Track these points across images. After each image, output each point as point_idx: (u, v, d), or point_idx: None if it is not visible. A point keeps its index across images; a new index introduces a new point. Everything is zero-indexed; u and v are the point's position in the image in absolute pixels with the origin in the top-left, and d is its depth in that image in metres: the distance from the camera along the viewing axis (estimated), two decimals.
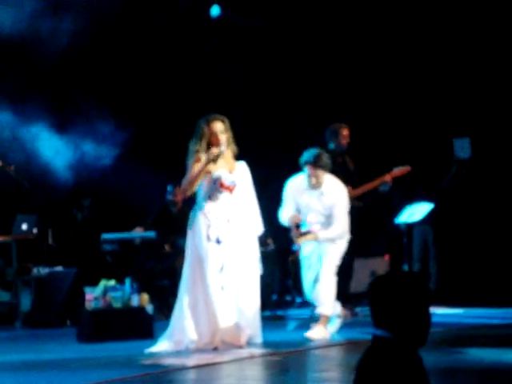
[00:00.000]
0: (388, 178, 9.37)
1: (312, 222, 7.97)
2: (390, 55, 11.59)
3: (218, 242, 7.31)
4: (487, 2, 11.20)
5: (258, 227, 7.63)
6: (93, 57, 11.40)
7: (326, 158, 7.88)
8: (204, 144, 7.37)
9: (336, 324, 8.03)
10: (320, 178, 7.87)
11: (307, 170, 7.85)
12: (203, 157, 7.36)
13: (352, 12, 11.65)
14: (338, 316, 8.10)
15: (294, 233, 8.06)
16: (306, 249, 8.12)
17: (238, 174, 7.48)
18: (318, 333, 7.72)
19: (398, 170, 9.49)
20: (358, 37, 11.63)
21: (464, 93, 11.36)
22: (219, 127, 7.40)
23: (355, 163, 9.60)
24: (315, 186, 7.91)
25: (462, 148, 10.21)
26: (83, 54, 11.29)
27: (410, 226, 10.54)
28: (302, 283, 8.29)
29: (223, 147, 7.38)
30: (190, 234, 7.42)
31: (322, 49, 11.82)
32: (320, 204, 7.94)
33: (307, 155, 7.87)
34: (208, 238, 7.28)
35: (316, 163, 7.80)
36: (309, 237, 7.93)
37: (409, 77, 11.52)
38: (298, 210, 8.05)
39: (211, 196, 7.38)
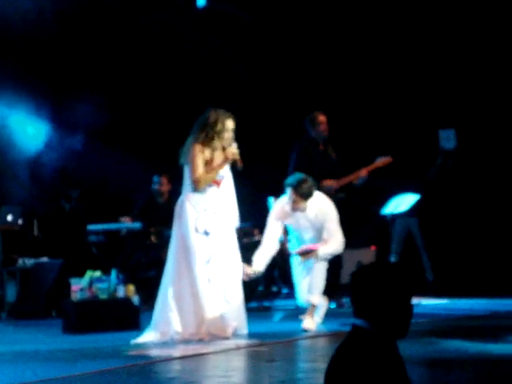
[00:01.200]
0: (364, 172, 9.36)
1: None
2: (377, 46, 11.60)
3: (206, 233, 7.31)
4: None
5: (236, 220, 7.62)
6: (80, 45, 11.38)
7: (307, 187, 7.83)
8: (211, 136, 7.33)
9: (321, 313, 8.04)
10: (300, 205, 7.86)
11: (289, 193, 7.85)
12: (206, 150, 7.31)
13: (338, 3, 11.65)
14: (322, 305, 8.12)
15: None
16: (295, 264, 8.14)
17: (225, 169, 7.47)
18: (310, 322, 7.74)
19: (379, 161, 9.50)
20: (345, 28, 11.63)
21: (449, 84, 11.38)
22: (232, 125, 7.41)
23: (337, 153, 9.61)
24: (297, 210, 7.91)
25: (448, 139, 10.24)
26: (68, 42, 11.27)
27: (396, 217, 10.57)
28: (287, 274, 8.30)
29: (235, 145, 7.39)
30: (176, 224, 7.40)
31: (308, 38, 11.82)
32: (308, 223, 7.96)
33: (291, 179, 7.90)
34: (196, 230, 7.28)
35: (297, 189, 7.79)
36: (310, 255, 7.91)
37: (395, 67, 11.53)
38: (286, 230, 8.07)
39: (200, 189, 7.36)
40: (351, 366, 2.72)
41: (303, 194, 7.81)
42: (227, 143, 7.39)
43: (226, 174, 7.48)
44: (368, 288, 2.78)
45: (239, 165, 7.42)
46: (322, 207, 7.97)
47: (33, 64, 11.22)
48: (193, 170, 7.30)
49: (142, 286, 9.40)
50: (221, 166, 7.35)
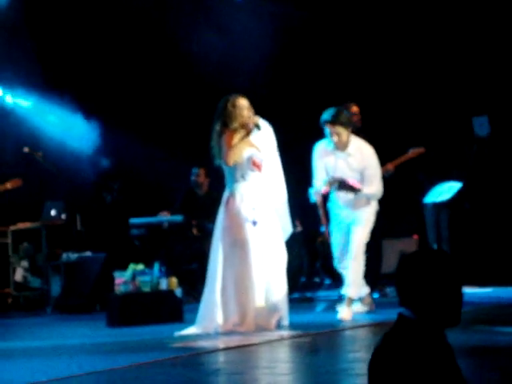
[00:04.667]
0: (390, 167, 9.22)
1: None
2: (408, 36, 11.49)
3: (254, 223, 7.29)
4: None
5: (284, 196, 7.58)
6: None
7: (345, 115, 7.81)
8: (232, 119, 7.33)
9: (358, 307, 8.03)
10: (342, 136, 7.80)
11: (327, 129, 7.80)
12: (236, 133, 7.31)
13: None
14: (361, 302, 8.09)
15: (320, 208, 8.05)
16: (333, 230, 8.11)
17: (263, 149, 7.43)
18: (346, 313, 7.74)
19: (412, 152, 9.41)
20: (375, 19, 11.55)
21: (481, 71, 11.25)
22: (246, 103, 7.40)
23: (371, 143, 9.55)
24: (340, 146, 7.84)
25: (482, 126, 10.15)
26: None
27: (439, 206, 10.47)
28: (330, 264, 8.28)
29: (256, 117, 7.38)
30: (223, 216, 7.37)
31: (337, 30, 11.76)
32: (347, 166, 7.88)
33: (325, 114, 7.81)
34: (246, 219, 7.27)
35: (335, 120, 7.73)
36: (348, 190, 7.81)
37: (426, 56, 11.42)
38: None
39: (244, 176, 7.36)
40: (396, 356, 2.69)
41: (343, 123, 7.75)
42: (248, 120, 7.35)
43: (265, 156, 7.42)
44: (414, 276, 2.71)
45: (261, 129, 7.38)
46: (363, 150, 7.92)
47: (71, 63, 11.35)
48: (222, 156, 7.30)
49: (184, 279, 9.44)
50: (243, 138, 7.31)
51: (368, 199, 7.94)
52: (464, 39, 11.26)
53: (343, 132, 7.79)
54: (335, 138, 7.80)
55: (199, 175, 10.87)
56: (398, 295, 2.79)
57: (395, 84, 11.55)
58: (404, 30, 11.48)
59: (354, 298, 7.93)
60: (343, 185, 7.87)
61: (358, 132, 9.37)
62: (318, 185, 8.00)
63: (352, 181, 7.87)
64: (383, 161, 9.22)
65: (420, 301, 2.72)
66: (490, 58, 11.16)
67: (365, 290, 8.14)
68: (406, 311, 2.75)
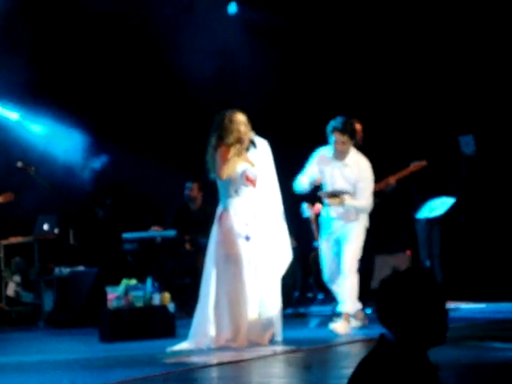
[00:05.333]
0: (392, 180, 9.23)
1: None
2: (395, 53, 11.53)
3: (247, 238, 7.29)
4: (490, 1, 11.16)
5: (280, 209, 7.59)
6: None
7: (353, 125, 7.92)
8: (228, 134, 7.34)
9: (352, 323, 8.02)
10: (346, 146, 7.88)
11: (334, 136, 7.87)
12: (231, 148, 7.31)
13: (358, 11, 11.60)
14: (354, 317, 8.09)
15: (313, 226, 8.09)
16: (323, 242, 8.12)
17: (258, 165, 7.44)
18: (341, 327, 7.73)
19: (414, 166, 9.41)
20: (362, 35, 11.59)
21: (468, 91, 11.31)
22: (244, 118, 7.42)
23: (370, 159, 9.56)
24: (340, 156, 7.92)
25: (467, 144, 10.25)
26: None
27: (431, 222, 10.47)
28: (323, 280, 8.28)
29: (252, 134, 7.39)
30: (216, 230, 7.37)
31: (326, 49, 11.80)
32: (342, 177, 7.95)
33: (335, 122, 7.91)
34: (238, 235, 7.27)
35: (343, 129, 7.84)
36: (336, 200, 7.89)
37: (414, 76, 11.47)
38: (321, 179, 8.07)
39: (238, 191, 7.36)
40: (372, 381, 2.65)
41: (350, 133, 7.88)
42: (244, 136, 7.36)
43: (260, 172, 7.44)
44: (394, 299, 2.67)
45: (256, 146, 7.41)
46: (360, 163, 8.01)
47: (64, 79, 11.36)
48: (216, 170, 7.31)
49: (177, 294, 9.41)
50: (237, 153, 7.32)
51: (357, 212, 7.97)
52: (449, 60, 11.31)
53: (348, 142, 7.87)
54: (339, 146, 7.87)
55: (192, 189, 10.87)
56: (378, 318, 2.74)
57: (387, 100, 11.58)
58: (393, 48, 11.51)
59: (350, 314, 7.92)
60: (330, 195, 7.93)
61: (359, 149, 9.38)
62: (300, 181, 8.02)
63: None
64: (383, 175, 9.23)
65: (401, 323, 2.66)
66: (475, 79, 11.22)
67: (357, 305, 8.14)
68: (386, 332, 2.72)
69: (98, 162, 11.56)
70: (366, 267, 8.52)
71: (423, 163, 9.42)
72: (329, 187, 8.03)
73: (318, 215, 8.20)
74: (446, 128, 11.11)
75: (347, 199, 7.88)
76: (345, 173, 7.96)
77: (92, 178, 11.58)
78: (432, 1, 11.38)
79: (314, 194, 8.20)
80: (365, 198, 7.94)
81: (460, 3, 11.25)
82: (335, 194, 7.92)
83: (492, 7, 11.08)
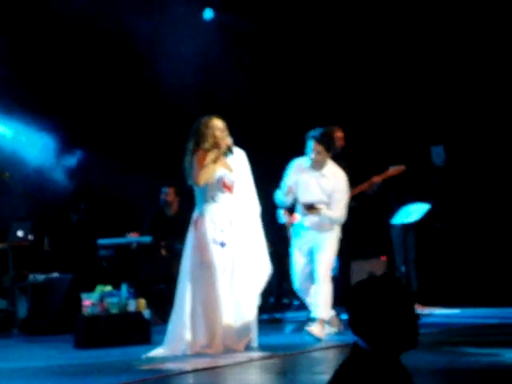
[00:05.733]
0: (377, 179, 9.32)
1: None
2: (370, 64, 11.60)
3: (223, 245, 7.29)
4: (461, 15, 11.26)
5: (257, 211, 7.60)
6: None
7: (331, 138, 7.99)
8: (204, 139, 7.34)
9: (327, 330, 8.04)
10: (322, 156, 7.95)
11: (311, 144, 7.93)
12: (208, 153, 7.32)
13: (334, 18, 11.65)
14: (329, 324, 8.11)
15: (289, 232, 8.15)
16: (295, 251, 8.15)
17: (236, 172, 7.45)
18: (316, 330, 7.75)
19: (393, 170, 9.46)
20: (341, 43, 11.66)
21: (439, 103, 11.41)
22: (220, 123, 7.43)
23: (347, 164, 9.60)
24: (316, 166, 7.98)
25: (438, 155, 10.39)
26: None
27: (407, 227, 10.53)
28: (293, 284, 8.32)
29: (229, 139, 7.40)
30: (191, 236, 7.36)
31: (303, 55, 11.85)
32: (318, 186, 8.01)
33: (314, 131, 8.01)
34: (213, 241, 7.26)
35: (320, 139, 7.92)
36: (314, 210, 7.95)
37: (389, 87, 11.54)
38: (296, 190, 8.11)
39: (214, 197, 7.36)
40: None
41: (327, 144, 7.98)
42: (220, 141, 7.37)
43: (237, 177, 7.45)
44: (363, 306, 2.68)
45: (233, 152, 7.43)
46: (337, 174, 8.08)
47: (39, 83, 11.29)
48: (192, 176, 7.31)
49: (152, 300, 9.39)
50: (215, 159, 7.33)
51: (331, 223, 8.01)
52: (422, 73, 11.40)
53: (323, 152, 7.93)
54: (315, 156, 7.93)
55: (168, 194, 10.84)
56: (349, 324, 2.75)
57: (364, 109, 11.63)
58: (368, 60, 11.58)
59: (325, 319, 7.93)
60: (308, 206, 7.99)
61: (337, 156, 9.40)
62: (280, 197, 8.08)
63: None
64: (360, 180, 9.27)
65: (371, 329, 2.67)
66: (447, 92, 11.33)
67: (331, 311, 8.15)
68: (360, 341, 2.73)
69: (73, 159, 11.49)
70: (342, 273, 8.54)
71: (402, 167, 9.49)
72: (304, 196, 8.06)
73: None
74: (419, 138, 11.22)
75: (323, 209, 7.94)
76: (321, 183, 8.02)
77: (66, 177, 11.49)
78: (402, 11, 11.46)
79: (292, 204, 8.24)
80: (339, 209, 8.01)
81: (432, 15, 11.34)
82: (312, 205, 7.98)
83: (464, 20, 11.19)
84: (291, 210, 8.38)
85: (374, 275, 2.76)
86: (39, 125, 11.26)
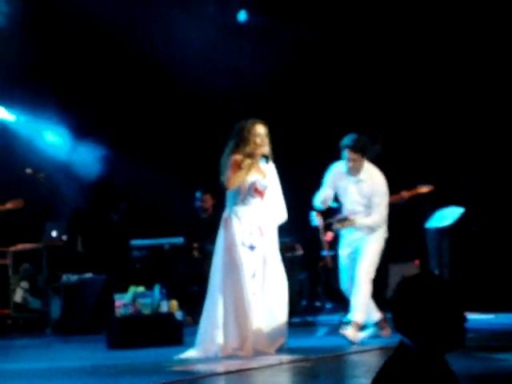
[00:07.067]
0: (406, 194, 9.25)
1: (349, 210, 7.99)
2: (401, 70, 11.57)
3: (252, 248, 7.28)
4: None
5: (284, 216, 7.59)
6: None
7: (364, 143, 7.93)
8: (245, 144, 7.35)
9: (371, 331, 7.99)
10: (357, 163, 7.92)
11: (346, 153, 7.90)
12: (244, 157, 7.33)
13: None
14: (376, 325, 8.05)
15: (322, 235, 8.10)
16: (342, 251, 8.10)
17: (269, 179, 7.47)
18: (351, 333, 7.71)
19: (421, 188, 9.42)
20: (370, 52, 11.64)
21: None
22: (263, 130, 7.43)
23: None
24: (353, 171, 7.95)
25: None
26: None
27: (441, 231, 10.46)
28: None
29: (267, 148, 7.40)
30: (222, 237, 7.35)
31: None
32: (357, 192, 7.98)
33: (346, 139, 7.95)
34: (242, 244, 7.26)
35: (354, 147, 7.87)
36: (347, 223, 7.92)
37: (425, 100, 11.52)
38: (336, 197, 8.08)
39: (245, 201, 7.36)
40: None
41: (361, 150, 7.91)
42: (261, 148, 7.38)
43: (269, 184, 7.46)
44: (410, 303, 2.64)
45: (270, 159, 7.43)
46: (374, 178, 8.02)
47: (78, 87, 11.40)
48: (225, 178, 7.32)
49: (185, 301, 9.40)
50: (248, 165, 7.34)
51: (370, 229, 7.97)
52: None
53: (358, 159, 7.89)
54: (350, 164, 7.92)
55: (205, 201, 10.72)
56: (394, 323, 2.72)
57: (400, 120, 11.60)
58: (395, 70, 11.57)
59: (360, 323, 7.87)
60: (341, 220, 7.96)
61: (378, 156, 9.34)
62: (317, 198, 8.05)
63: (349, 214, 7.97)
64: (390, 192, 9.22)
65: (418, 328, 2.64)
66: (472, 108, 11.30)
67: (378, 314, 8.09)
68: (405, 339, 2.70)
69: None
70: (380, 277, 8.49)
71: (431, 188, 9.46)
72: (345, 203, 8.05)
73: (330, 243, 8.22)
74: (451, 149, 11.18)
75: (358, 219, 7.90)
76: (360, 188, 7.98)
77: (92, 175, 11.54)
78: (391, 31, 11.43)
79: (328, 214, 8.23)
80: (378, 213, 7.96)
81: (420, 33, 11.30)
82: (344, 219, 7.95)
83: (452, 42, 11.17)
84: (324, 212, 8.34)
85: (416, 274, 2.73)
86: (83, 129, 11.38)
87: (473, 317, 9.66)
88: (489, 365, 6.35)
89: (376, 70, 11.62)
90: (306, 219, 8.28)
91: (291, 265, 8.10)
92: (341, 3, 11.67)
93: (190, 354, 7.20)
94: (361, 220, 7.93)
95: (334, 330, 8.37)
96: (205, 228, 10.47)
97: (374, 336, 7.97)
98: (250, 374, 6.46)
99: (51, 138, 11.50)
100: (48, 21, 11.17)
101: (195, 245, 10.60)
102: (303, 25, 11.67)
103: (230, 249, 7.26)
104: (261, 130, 7.43)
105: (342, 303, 9.07)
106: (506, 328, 8.81)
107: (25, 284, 10.67)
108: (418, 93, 11.54)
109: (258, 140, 7.38)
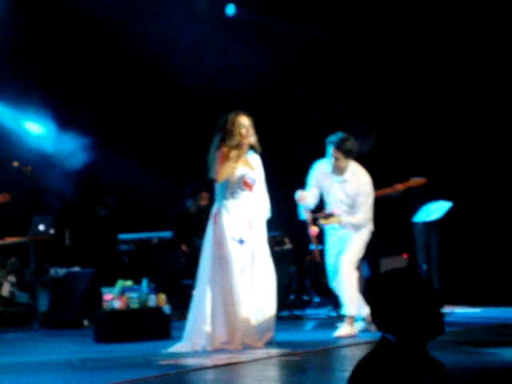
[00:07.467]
0: (400, 187, 9.26)
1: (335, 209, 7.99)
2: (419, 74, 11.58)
3: (241, 241, 7.28)
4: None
5: (267, 212, 7.58)
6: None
7: (350, 145, 7.89)
8: (230, 137, 7.35)
9: (359, 326, 8.00)
10: (341, 163, 7.90)
11: (330, 150, 7.89)
12: (230, 150, 7.32)
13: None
14: (364, 319, 8.06)
15: (310, 229, 8.09)
16: (330, 250, 8.11)
17: (257, 171, 7.46)
18: (344, 331, 7.71)
19: (414, 181, 9.44)
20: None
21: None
22: (247, 120, 7.42)
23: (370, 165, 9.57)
24: (337, 171, 7.93)
25: None
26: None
27: (429, 225, 10.48)
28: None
29: (253, 138, 7.39)
30: (211, 230, 7.35)
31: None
32: (342, 191, 7.98)
33: (333, 137, 7.92)
34: (232, 238, 7.25)
35: (339, 146, 7.83)
36: (332, 220, 7.92)
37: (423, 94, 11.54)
38: (322, 195, 8.08)
39: (234, 194, 7.36)
40: (371, 379, 2.62)
41: (346, 151, 7.86)
42: (247, 139, 7.37)
43: (257, 176, 7.45)
44: (384, 299, 2.66)
45: (258, 150, 7.42)
46: (360, 178, 8.00)
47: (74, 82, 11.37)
48: (213, 171, 7.31)
49: (172, 295, 9.39)
50: (236, 157, 7.33)
51: (354, 228, 7.97)
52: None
53: (341, 159, 7.87)
54: (333, 161, 7.89)
55: (204, 199, 10.68)
56: (373, 321, 2.73)
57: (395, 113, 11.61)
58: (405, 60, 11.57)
59: (354, 315, 7.88)
60: (326, 216, 7.97)
61: (363, 157, 9.35)
62: (306, 202, 8.04)
63: (335, 210, 7.97)
64: (383, 184, 9.24)
65: (394, 320, 2.65)
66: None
67: (367, 309, 8.10)
68: (388, 334, 2.70)
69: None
70: (372, 271, 8.50)
71: (423, 180, 9.47)
72: (330, 202, 8.04)
73: (316, 237, 8.21)
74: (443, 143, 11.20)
75: (343, 217, 7.90)
76: (344, 187, 7.97)
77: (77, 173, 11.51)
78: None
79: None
80: (363, 212, 7.96)
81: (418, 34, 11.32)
82: (329, 215, 7.95)
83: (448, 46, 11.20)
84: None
85: (386, 271, 2.76)
86: (69, 122, 11.33)
87: (461, 311, 9.70)
88: (477, 359, 6.38)
89: (369, 63, 11.61)
90: (295, 213, 8.28)
91: (280, 259, 8.08)
92: None
93: (178, 347, 7.20)
94: (346, 218, 7.93)
95: (322, 323, 8.39)
96: (193, 222, 10.46)
97: (363, 330, 7.98)
98: (238, 367, 6.46)
99: (35, 129, 11.44)
100: (32, 9, 11.13)
101: (183, 238, 10.58)
102: (296, 19, 11.67)
103: (220, 243, 7.26)
104: (245, 120, 7.42)
105: (330, 297, 9.10)
106: (494, 322, 8.83)
107: (12, 278, 10.63)
108: (412, 88, 11.54)
109: (244, 131, 7.37)
